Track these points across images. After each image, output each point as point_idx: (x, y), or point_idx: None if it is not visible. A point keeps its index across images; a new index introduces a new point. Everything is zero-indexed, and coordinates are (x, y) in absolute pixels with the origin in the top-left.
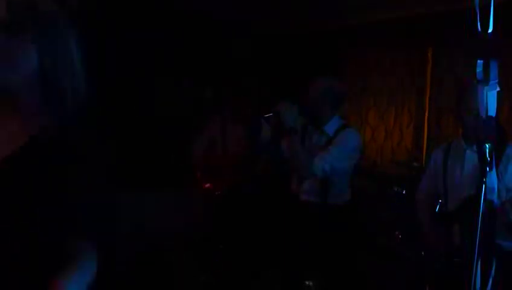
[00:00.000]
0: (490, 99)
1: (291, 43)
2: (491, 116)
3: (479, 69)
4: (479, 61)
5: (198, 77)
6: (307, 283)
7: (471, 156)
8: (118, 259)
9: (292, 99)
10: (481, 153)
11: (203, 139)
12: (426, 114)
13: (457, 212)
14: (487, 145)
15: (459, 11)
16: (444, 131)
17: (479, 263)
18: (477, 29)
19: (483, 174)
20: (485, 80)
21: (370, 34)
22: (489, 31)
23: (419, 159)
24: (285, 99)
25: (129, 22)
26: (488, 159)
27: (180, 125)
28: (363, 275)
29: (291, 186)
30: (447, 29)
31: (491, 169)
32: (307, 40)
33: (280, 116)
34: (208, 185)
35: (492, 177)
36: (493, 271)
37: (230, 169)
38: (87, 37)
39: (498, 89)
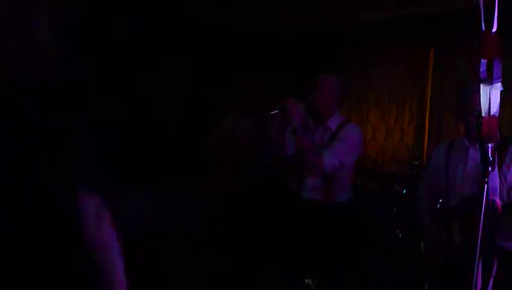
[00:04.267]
0: (493, 98)
1: (294, 41)
2: (494, 116)
3: (482, 68)
4: (482, 60)
5: (203, 75)
6: (307, 280)
7: (474, 154)
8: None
9: (297, 96)
10: (483, 152)
11: (216, 134)
12: (427, 113)
13: (458, 209)
14: (489, 145)
15: (461, 10)
16: (445, 130)
17: (480, 262)
18: (481, 28)
19: (485, 174)
20: (489, 79)
21: (372, 33)
22: (494, 30)
23: (420, 158)
24: (291, 96)
25: (133, 18)
26: (491, 158)
27: (182, 123)
28: (362, 273)
29: (289, 185)
30: (448, 28)
31: (493, 169)
32: (309, 38)
33: (287, 113)
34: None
35: (494, 177)
36: (494, 271)
37: (239, 161)
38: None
39: (501, 88)
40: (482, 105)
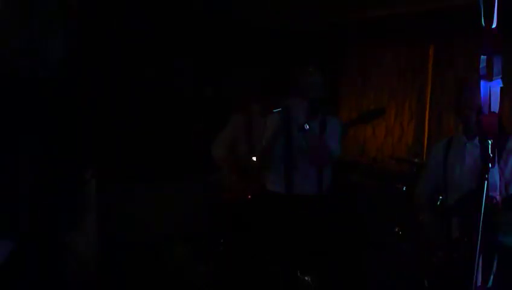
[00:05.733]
0: (493, 95)
1: (293, 39)
2: (494, 112)
3: (482, 65)
4: (482, 57)
5: (203, 74)
6: (306, 278)
7: (471, 150)
8: (119, 249)
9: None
10: (483, 149)
11: (225, 138)
12: (427, 110)
13: (457, 206)
14: (489, 141)
15: (461, 7)
16: (444, 127)
17: (481, 258)
18: (481, 24)
19: (486, 170)
20: (488, 76)
21: (371, 31)
22: (493, 26)
23: (419, 156)
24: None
25: (132, 18)
26: (491, 155)
27: (182, 122)
28: (362, 270)
29: (272, 186)
30: (448, 26)
31: (493, 165)
32: (309, 36)
33: (290, 111)
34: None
35: (494, 173)
36: (495, 267)
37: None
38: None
39: (501, 85)
40: (482, 101)
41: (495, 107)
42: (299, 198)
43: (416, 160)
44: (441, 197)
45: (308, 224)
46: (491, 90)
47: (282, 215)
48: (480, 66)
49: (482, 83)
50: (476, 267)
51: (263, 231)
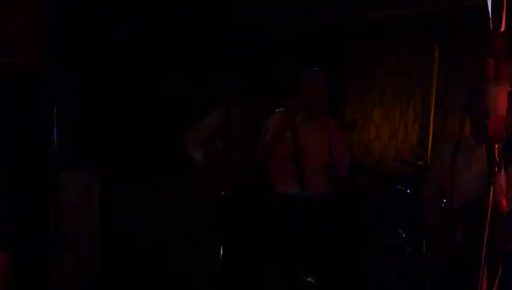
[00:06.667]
0: (500, 98)
1: (297, 40)
2: (501, 116)
3: (490, 68)
4: (490, 60)
5: (203, 73)
6: (309, 279)
7: (480, 154)
8: (119, 249)
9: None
10: (490, 153)
11: (203, 136)
12: (432, 112)
13: (462, 210)
14: (496, 145)
15: (467, 8)
16: (449, 130)
17: (486, 264)
18: (489, 27)
19: (492, 174)
20: (496, 79)
21: (376, 32)
22: (502, 29)
23: (423, 158)
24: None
25: (134, 19)
26: (497, 159)
27: (184, 121)
28: (362, 273)
29: (276, 186)
30: (454, 28)
31: (499, 169)
32: (314, 37)
33: (293, 112)
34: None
35: (501, 178)
36: (500, 273)
37: (235, 168)
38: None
39: (509, 88)
40: (489, 105)
41: (502, 110)
42: (307, 200)
43: (420, 162)
44: (445, 200)
45: (312, 225)
46: (499, 94)
47: (292, 217)
48: (488, 69)
49: (490, 86)
50: (481, 273)
51: (269, 232)
